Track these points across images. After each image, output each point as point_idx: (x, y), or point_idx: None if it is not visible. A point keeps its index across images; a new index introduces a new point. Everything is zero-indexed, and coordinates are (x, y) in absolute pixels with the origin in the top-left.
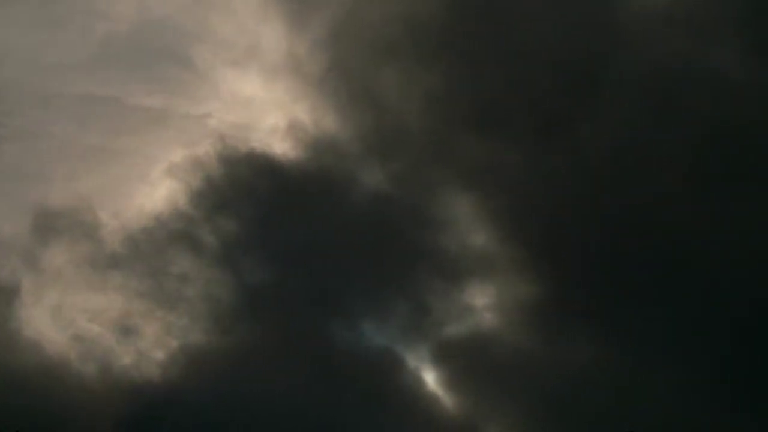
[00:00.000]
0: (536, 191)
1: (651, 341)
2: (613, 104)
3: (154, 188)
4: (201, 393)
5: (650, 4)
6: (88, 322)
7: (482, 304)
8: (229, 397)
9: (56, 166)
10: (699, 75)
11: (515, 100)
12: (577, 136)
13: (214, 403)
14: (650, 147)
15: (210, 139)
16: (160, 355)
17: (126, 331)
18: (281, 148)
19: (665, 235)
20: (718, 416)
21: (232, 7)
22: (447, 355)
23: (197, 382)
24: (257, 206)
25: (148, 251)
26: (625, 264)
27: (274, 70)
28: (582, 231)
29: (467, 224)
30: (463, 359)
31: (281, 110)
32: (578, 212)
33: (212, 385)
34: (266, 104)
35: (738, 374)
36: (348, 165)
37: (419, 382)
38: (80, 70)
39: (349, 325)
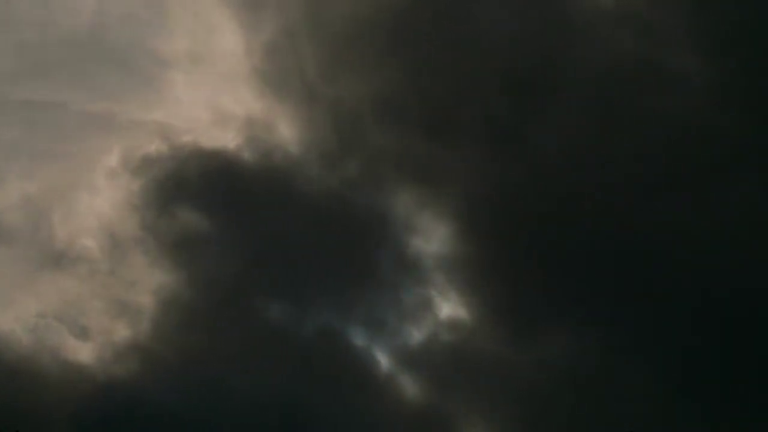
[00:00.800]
0: (494, 191)
1: (625, 340)
2: (565, 105)
3: (101, 192)
4: (160, 389)
5: (601, 5)
6: (39, 318)
7: (447, 303)
8: (191, 393)
9: (2, 171)
10: (651, 75)
11: (468, 102)
12: (531, 136)
13: (174, 399)
14: (603, 147)
15: (158, 143)
16: (112, 352)
17: (82, 330)
18: (231, 149)
19: (634, 235)
20: (692, 413)
21: (181, 12)
22: (412, 353)
23: (155, 379)
24: (208, 207)
25: (98, 252)
26: (591, 263)
27: (225, 73)
28: (548, 230)
29: (426, 223)
30: (429, 356)
31: (232, 112)
32: (540, 212)
33: (171, 382)
34: (216, 107)
35: (710, 373)
36: (301, 165)
37: (388, 380)
38: (24, 76)
39: (311, 320)
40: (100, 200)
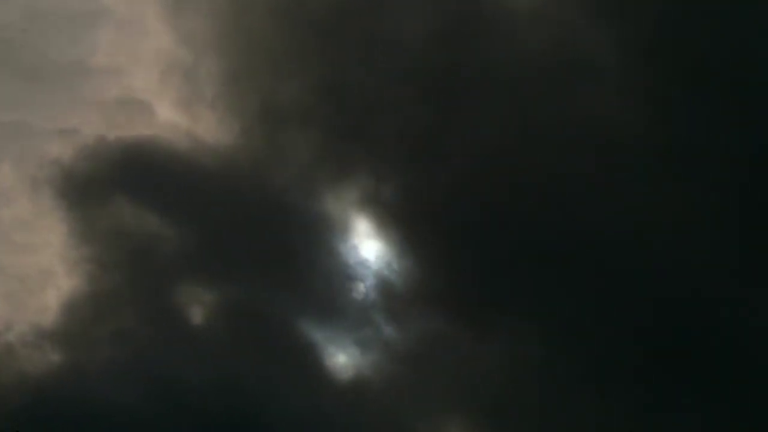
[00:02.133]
0: (424, 190)
1: (562, 335)
2: (484, 101)
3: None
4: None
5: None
6: None
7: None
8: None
9: None
10: (571, 69)
11: (384, 106)
12: (454, 136)
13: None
14: (525, 147)
15: (82, 149)
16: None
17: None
18: (155, 149)
19: (560, 233)
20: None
21: (108, 16)
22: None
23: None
24: (133, 205)
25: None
26: (523, 261)
27: (146, 76)
28: (480, 227)
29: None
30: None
31: (154, 114)
32: (469, 210)
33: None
34: (144, 111)
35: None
36: (227, 166)
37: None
38: None
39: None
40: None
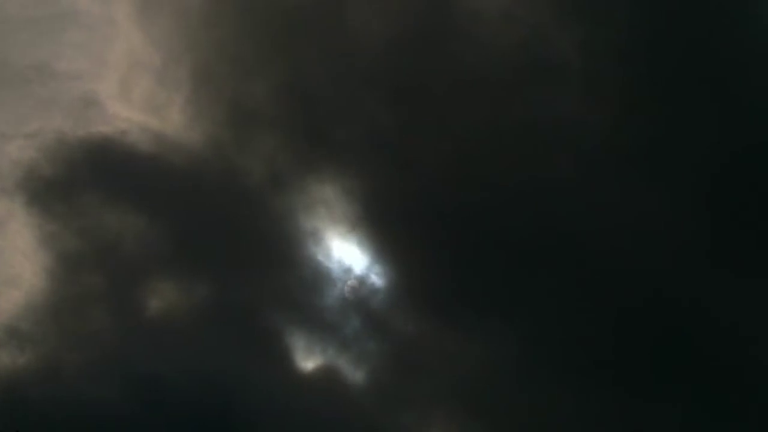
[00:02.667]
0: (395, 189)
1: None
2: (454, 103)
3: None
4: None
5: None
6: None
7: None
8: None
9: None
10: (538, 69)
11: (358, 108)
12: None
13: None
14: (495, 146)
15: (47, 151)
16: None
17: None
18: (126, 151)
19: (532, 233)
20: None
21: (73, 19)
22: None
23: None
24: (100, 211)
25: None
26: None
27: (116, 73)
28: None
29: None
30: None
31: (122, 110)
32: (442, 211)
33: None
34: (109, 112)
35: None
36: (202, 167)
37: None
38: None
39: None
40: None
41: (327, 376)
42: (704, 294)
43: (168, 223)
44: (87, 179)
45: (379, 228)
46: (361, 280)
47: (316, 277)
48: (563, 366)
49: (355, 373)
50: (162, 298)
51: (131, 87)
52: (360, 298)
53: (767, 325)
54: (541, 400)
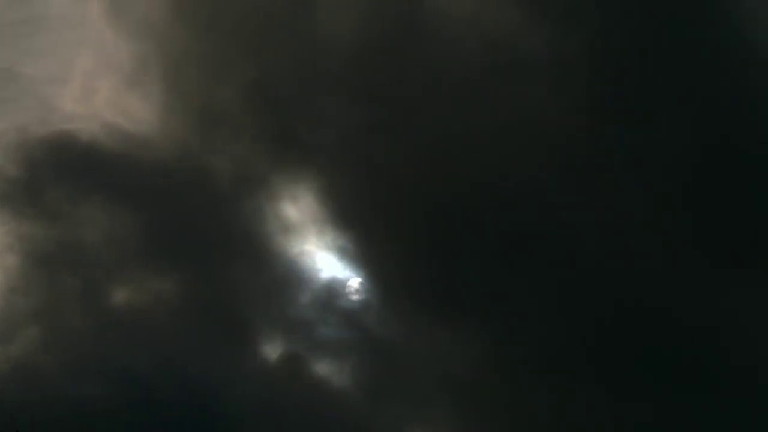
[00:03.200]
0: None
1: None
2: (419, 99)
3: None
4: None
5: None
6: None
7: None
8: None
9: None
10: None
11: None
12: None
13: None
14: (464, 146)
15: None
16: None
17: None
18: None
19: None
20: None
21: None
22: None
23: None
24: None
25: None
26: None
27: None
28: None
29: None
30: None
31: (93, 116)
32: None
33: None
34: (75, 112)
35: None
36: (165, 161)
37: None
38: None
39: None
40: None
41: (302, 372)
42: (686, 294)
43: (138, 221)
44: (53, 179)
45: (353, 227)
46: (335, 279)
47: (290, 275)
48: (543, 365)
49: (331, 369)
50: (135, 295)
51: (98, 88)
52: (334, 295)
53: (747, 325)
54: (521, 400)
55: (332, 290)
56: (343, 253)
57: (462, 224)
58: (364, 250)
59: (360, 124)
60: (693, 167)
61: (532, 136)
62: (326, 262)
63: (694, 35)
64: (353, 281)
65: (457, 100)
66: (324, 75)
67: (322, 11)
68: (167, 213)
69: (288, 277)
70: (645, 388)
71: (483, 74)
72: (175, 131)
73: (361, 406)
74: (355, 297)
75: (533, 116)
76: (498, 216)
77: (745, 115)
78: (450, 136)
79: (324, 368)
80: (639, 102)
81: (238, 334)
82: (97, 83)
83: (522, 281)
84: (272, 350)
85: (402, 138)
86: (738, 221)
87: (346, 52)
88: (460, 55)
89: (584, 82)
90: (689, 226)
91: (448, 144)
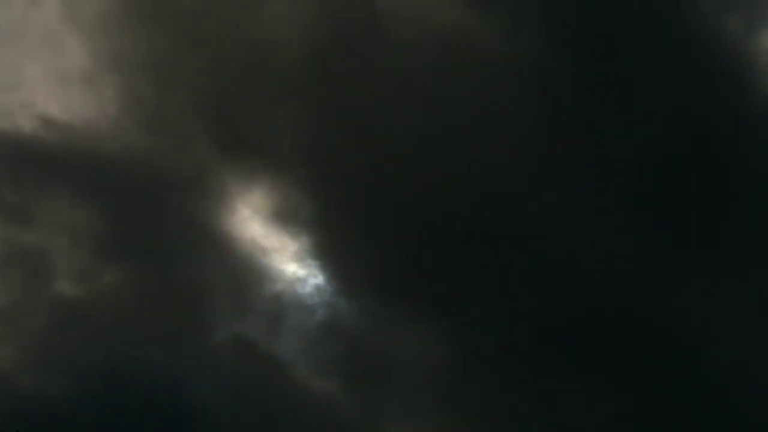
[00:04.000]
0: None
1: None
2: (375, 98)
3: None
4: None
5: None
6: None
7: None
8: None
9: None
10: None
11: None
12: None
13: None
14: (419, 146)
15: None
16: None
17: None
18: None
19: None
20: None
21: None
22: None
23: None
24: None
25: None
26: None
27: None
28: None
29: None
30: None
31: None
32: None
33: None
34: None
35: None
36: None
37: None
38: None
39: None
40: None
41: (260, 360)
42: (652, 291)
43: (93, 218)
44: (6, 179)
45: (309, 223)
46: (296, 276)
47: (246, 270)
48: (505, 365)
49: (290, 358)
50: (89, 289)
51: (49, 89)
52: (295, 292)
53: (706, 322)
54: (484, 395)
55: (290, 283)
56: (301, 249)
57: (423, 221)
58: (321, 245)
59: (316, 123)
60: (653, 165)
61: (491, 134)
62: (284, 257)
63: (648, 33)
64: (311, 275)
65: (412, 100)
66: (278, 74)
67: (275, 13)
68: (121, 210)
69: (245, 271)
70: (618, 382)
71: (436, 74)
72: (128, 131)
73: (325, 394)
74: (312, 290)
75: (493, 114)
76: (461, 212)
77: (700, 110)
78: (407, 135)
79: (285, 357)
80: (595, 99)
81: (193, 325)
82: (48, 84)
83: (485, 275)
84: (230, 340)
85: (360, 137)
86: (701, 220)
87: (298, 51)
88: (414, 55)
89: (540, 80)
90: (653, 224)
91: (405, 142)
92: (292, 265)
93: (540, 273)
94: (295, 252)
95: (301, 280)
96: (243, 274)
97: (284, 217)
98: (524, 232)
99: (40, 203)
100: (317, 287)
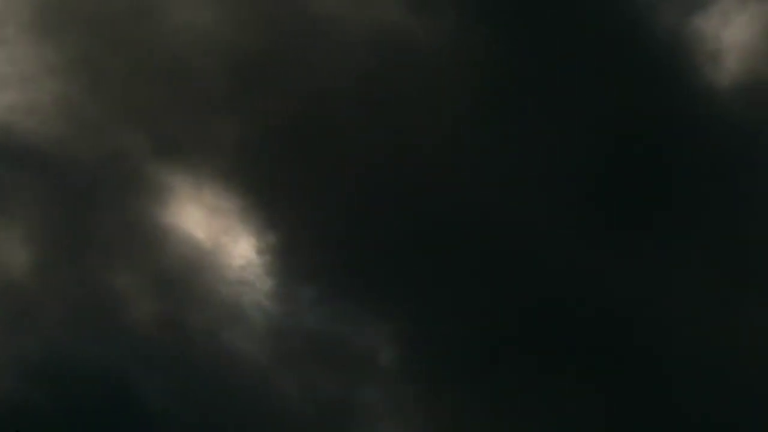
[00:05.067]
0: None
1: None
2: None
3: None
4: None
5: None
6: None
7: None
8: None
9: None
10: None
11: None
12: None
13: None
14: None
15: None
16: None
17: None
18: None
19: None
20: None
21: None
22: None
23: None
24: None
25: None
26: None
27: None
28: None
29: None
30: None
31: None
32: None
33: None
34: None
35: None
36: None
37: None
38: None
39: None
40: None
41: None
42: (606, 287)
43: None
44: None
45: (265, 221)
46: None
47: (198, 267)
48: (462, 361)
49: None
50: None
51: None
52: (244, 281)
53: (660, 308)
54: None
55: (241, 279)
56: (252, 245)
57: (375, 216)
58: (271, 240)
59: (255, 123)
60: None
61: (434, 129)
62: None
63: (593, 27)
64: (263, 272)
65: (351, 98)
66: (210, 78)
67: (205, 16)
68: (59, 209)
69: (192, 267)
70: (580, 374)
71: (369, 73)
72: (77, 131)
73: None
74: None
75: (435, 110)
76: (408, 208)
77: (639, 100)
78: (348, 133)
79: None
80: (537, 91)
81: (137, 321)
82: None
83: (435, 268)
84: (177, 335)
85: (307, 136)
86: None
87: (231, 54)
88: (346, 55)
89: (484, 71)
90: (601, 216)
91: (345, 142)
92: (241, 259)
93: (491, 264)
94: (245, 248)
95: (252, 277)
96: (190, 270)
97: (235, 215)
98: (474, 222)
99: None
100: (269, 283)
